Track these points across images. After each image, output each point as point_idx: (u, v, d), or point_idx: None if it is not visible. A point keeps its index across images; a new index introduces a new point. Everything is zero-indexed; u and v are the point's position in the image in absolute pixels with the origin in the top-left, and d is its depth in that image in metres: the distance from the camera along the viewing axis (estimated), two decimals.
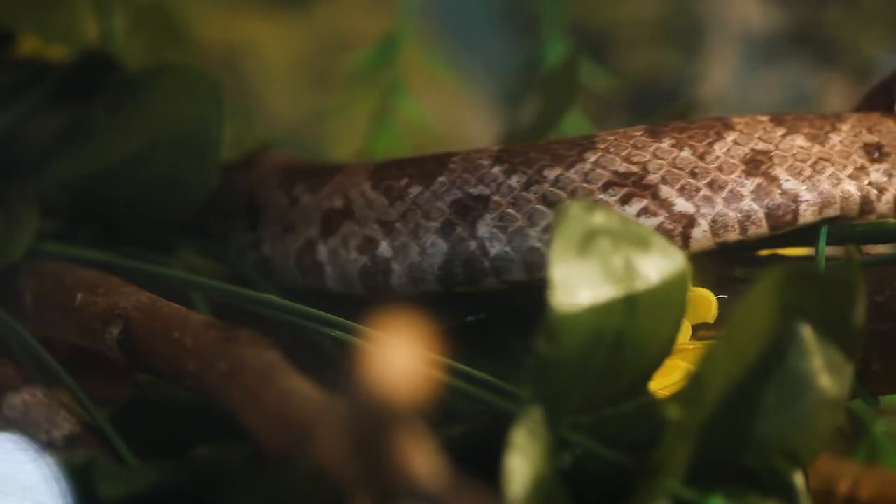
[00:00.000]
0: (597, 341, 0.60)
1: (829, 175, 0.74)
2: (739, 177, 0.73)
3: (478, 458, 0.57)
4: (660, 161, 0.73)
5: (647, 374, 0.63)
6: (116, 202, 0.85)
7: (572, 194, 0.73)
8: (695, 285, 0.68)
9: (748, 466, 0.61)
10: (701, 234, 0.73)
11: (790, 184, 0.74)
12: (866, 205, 0.74)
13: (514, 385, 0.64)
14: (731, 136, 0.74)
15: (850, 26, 1.31)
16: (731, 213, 0.73)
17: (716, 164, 0.73)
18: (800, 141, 0.74)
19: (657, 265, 0.62)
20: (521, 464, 0.57)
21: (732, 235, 0.73)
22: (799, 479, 0.61)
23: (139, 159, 0.84)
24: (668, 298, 0.62)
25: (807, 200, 0.73)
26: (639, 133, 0.74)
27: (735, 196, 0.73)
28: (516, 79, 1.26)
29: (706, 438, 0.60)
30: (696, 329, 0.71)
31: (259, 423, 0.60)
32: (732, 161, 0.73)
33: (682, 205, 0.73)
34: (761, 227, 0.73)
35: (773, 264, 0.74)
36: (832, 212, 0.74)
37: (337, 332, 0.71)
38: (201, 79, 0.84)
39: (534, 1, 1.17)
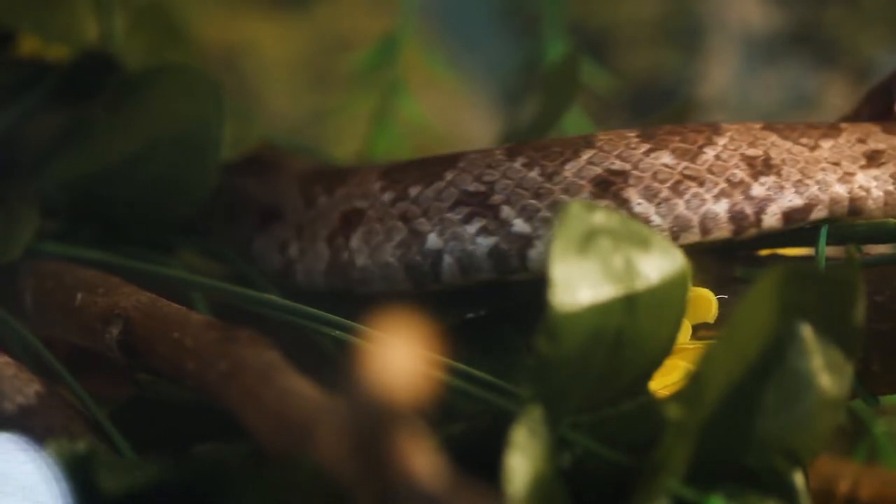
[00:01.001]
0: (597, 341, 0.60)
1: (693, 196, 0.73)
2: (585, 199, 0.72)
3: (478, 457, 0.57)
4: (507, 181, 0.73)
5: (647, 374, 0.63)
6: (116, 202, 0.85)
7: (426, 212, 0.74)
8: (695, 285, 0.68)
9: (748, 466, 0.61)
10: (537, 255, 0.72)
11: (641, 207, 0.73)
12: (740, 229, 0.73)
13: (514, 384, 0.64)
14: (586, 155, 0.73)
15: (850, 26, 1.31)
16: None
17: (562, 186, 0.73)
18: (665, 158, 0.73)
19: (657, 265, 0.62)
20: (521, 463, 0.57)
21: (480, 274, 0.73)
22: (799, 478, 0.62)
23: (139, 159, 0.84)
24: (668, 298, 0.62)
25: (658, 226, 0.72)
26: (499, 151, 0.74)
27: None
28: (516, 79, 1.26)
29: (706, 438, 0.60)
30: (696, 329, 0.71)
31: (259, 423, 0.60)
32: (580, 182, 0.73)
33: (519, 226, 0.73)
34: None
35: (773, 264, 0.75)
36: (692, 237, 0.73)
37: (337, 332, 0.71)
38: (201, 79, 0.84)
39: (534, 1, 1.17)
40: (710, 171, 0.73)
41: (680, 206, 0.73)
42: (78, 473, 0.63)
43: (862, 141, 0.74)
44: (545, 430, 0.59)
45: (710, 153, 0.73)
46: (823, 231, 0.73)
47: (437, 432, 0.59)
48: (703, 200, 0.73)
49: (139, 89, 0.86)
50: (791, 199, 0.73)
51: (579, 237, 0.60)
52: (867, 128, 0.75)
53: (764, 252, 0.76)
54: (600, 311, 0.60)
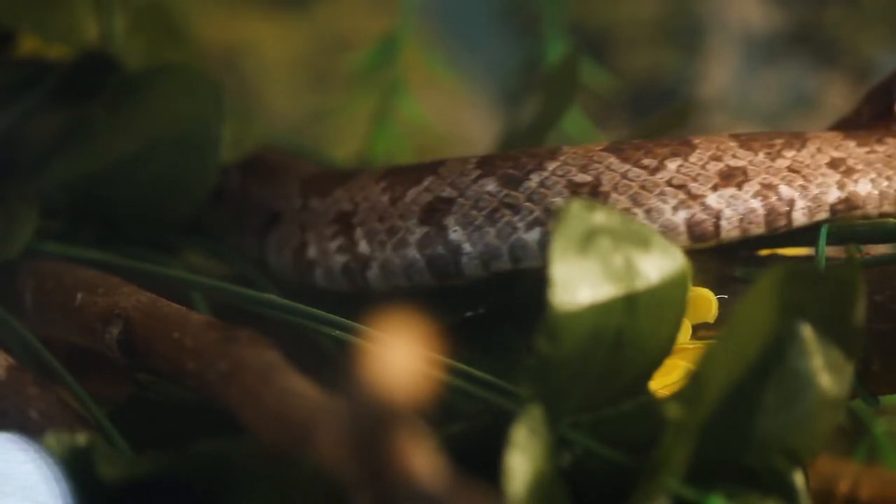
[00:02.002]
0: (597, 340, 0.60)
1: (506, 223, 0.73)
2: (413, 223, 0.74)
3: (478, 457, 0.57)
4: (366, 204, 0.75)
5: (648, 374, 0.63)
6: (116, 202, 0.85)
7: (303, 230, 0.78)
8: (695, 285, 0.68)
9: (748, 466, 0.61)
10: (375, 276, 0.75)
11: (457, 234, 0.73)
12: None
13: (514, 383, 0.64)
14: (426, 182, 0.74)
15: (850, 26, 1.31)
16: (397, 260, 0.74)
17: (399, 211, 0.74)
18: (490, 186, 0.73)
19: (657, 264, 0.62)
20: (521, 462, 0.57)
21: (401, 281, 0.74)
22: (799, 478, 0.61)
23: (139, 159, 0.84)
24: (668, 298, 0.62)
25: (468, 253, 0.73)
26: (366, 176, 0.77)
27: (403, 243, 0.74)
28: (516, 79, 1.26)
29: (706, 438, 0.60)
30: (696, 329, 0.71)
31: (259, 423, 0.60)
32: (413, 208, 0.74)
33: (363, 247, 0.75)
34: (424, 277, 0.74)
35: (773, 264, 0.75)
36: (502, 265, 0.73)
37: (337, 332, 0.71)
38: (201, 79, 0.84)
39: (534, 1, 1.17)
40: (529, 198, 0.73)
41: (491, 234, 0.73)
42: (78, 466, 0.63)
43: (717, 158, 0.73)
44: (545, 429, 0.59)
45: (534, 179, 0.73)
46: (823, 231, 0.73)
47: (437, 432, 0.59)
48: (515, 229, 0.73)
49: (139, 89, 0.86)
50: None
51: (579, 237, 0.60)
52: (720, 140, 0.74)
53: (764, 252, 0.76)
54: (600, 310, 0.60)
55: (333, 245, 0.77)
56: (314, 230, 0.78)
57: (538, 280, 0.62)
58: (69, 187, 0.86)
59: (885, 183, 0.75)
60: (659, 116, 1.00)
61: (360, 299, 0.75)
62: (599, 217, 0.61)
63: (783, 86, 1.32)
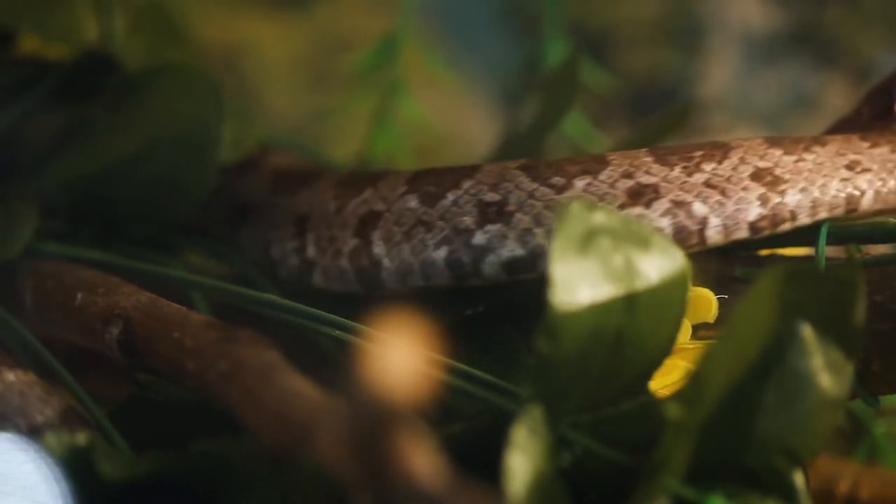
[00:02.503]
0: (597, 340, 0.60)
1: (419, 241, 0.74)
2: (349, 235, 0.76)
3: (478, 456, 0.57)
4: (320, 213, 0.78)
5: (647, 374, 0.63)
6: (116, 202, 0.85)
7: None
8: (695, 285, 0.68)
9: (748, 466, 0.61)
10: (318, 278, 0.78)
11: (378, 249, 0.75)
12: (458, 277, 0.73)
13: (514, 383, 0.64)
14: (366, 193, 0.76)
15: (850, 26, 1.31)
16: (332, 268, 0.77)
17: (340, 221, 0.77)
18: (412, 202, 0.74)
19: (657, 264, 0.62)
20: (521, 462, 0.57)
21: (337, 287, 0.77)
22: (799, 478, 0.62)
23: (139, 159, 0.84)
24: (668, 298, 0.62)
25: (387, 268, 0.75)
26: (327, 182, 0.79)
27: (338, 254, 0.77)
28: (516, 79, 1.26)
29: (706, 438, 0.60)
30: (696, 329, 0.71)
31: (259, 423, 0.60)
32: (350, 219, 0.77)
33: (311, 251, 0.78)
34: (352, 286, 0.76)
35: (774, 264, 0.75)
36: (415, 282, 0.74)
37: (337, 332, 0.71)
38: (201, 79, 0.84)
39: (534, 1, 1.17)
40: (442, 216, 0.73)
41: (406, 250, 0.74)
42: (78, 466, 0.63)
43: (628, 175, 0.72)
44: (545, 429, 0.59)
45: (450, 198, 0.73)
46: (823, 231, 0.73)
47: (437, 432, 0.59)
48: (426, 247, 0.73)
49: (139, 89, 0.86)
50: (513, 249, 0.72)
51: (579, 237, 0.60)
52: (635, 155, 0.73)
53: (764, 252, 0.76)
54: (600, 310, 0.60)
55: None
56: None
57: (538, 280, 0.62)
58: (69, 187, 0.86)
59: (817, 191, 0.73)
60: (659, 117, 1.00)
61: (359, 299, 0.75)
62: (599, 217, 0.61)
63: (783, 86, 1.32)
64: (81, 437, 0.64)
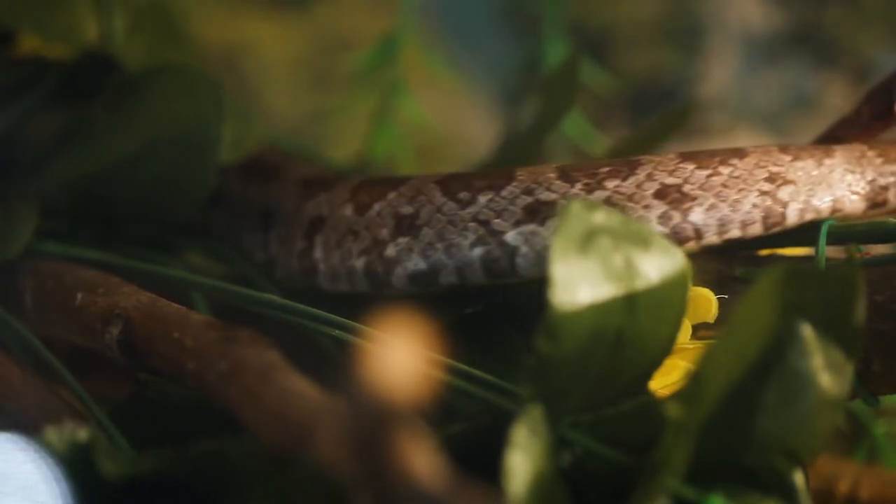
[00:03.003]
0: (597, 340, 0.60)
1: (346, 249, 0.76)
2: (299, 236, 0.79)
3: (478, 456, 0.57)
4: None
5: (648, 374, 0.63)
6: (116, 202, 0.85)
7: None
8: (695, 285, 0.68)
9: (748, 465, 0.61)
10: (282, 276, 0.80)
11: (318, 253, 0.77)
12: (376, 287, 0.75)
13: (514, 382, 0.64)
14: (319, 198, 0.78)
15: (850, 26, 1.31)
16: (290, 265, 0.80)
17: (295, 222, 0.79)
18: (348, 210, 0.76)
19: (657, 264, 0.62)
20: (521, 462, 0.57)
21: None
22: (799, 478, 0.61)
23: (139, 159, 0.84)
24: (668, 297, 0.62)
25: (322, 272, 0.77)
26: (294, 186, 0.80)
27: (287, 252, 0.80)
28: (516, 79, 1.25)
29: (706, 437, 0.60)
30: (696, 329, 0.71)
31: (259, 423, 0.60)
32: (301, 223, 0.79)
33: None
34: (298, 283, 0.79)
35: (774, 264, 0.75)
36: (344, 287, 0.76)
37: (337, 332, 0.71)
38: (201, 79, 0.84)
39: (534, 1, 1.17)
40: (367, 226, 0.75)
41: (336, 258, 0.76)
42: (78, 463, 0.63)
43: (529, 192, 0.72)
44: (545, 429, 0.59)
45: (375, 209, 0.75)
46: (823, 230, 0.73)
47: (437, 432, 0.59)
48: (350, 255, 0.75)
49: (139, 89, 0.86)
50: (416, 262, 0.73)
51: (579, 236, 0.60)
52: (541, 171, 0.73)
53: (764, 252, 0.76)
54: (600, 310, 0.60)
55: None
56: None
57: (538, 281, 0.62)
58: (69, 187, 0.86)
59: (727, 208, 0.72)
60: (659, 117, 1.00)
61: (359, 299, 0.75)
62: (600, 217, 0.61)
63: (783, 86, 1.32)
64: (83, 434, 0.64)
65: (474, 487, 0.50)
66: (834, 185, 0.74)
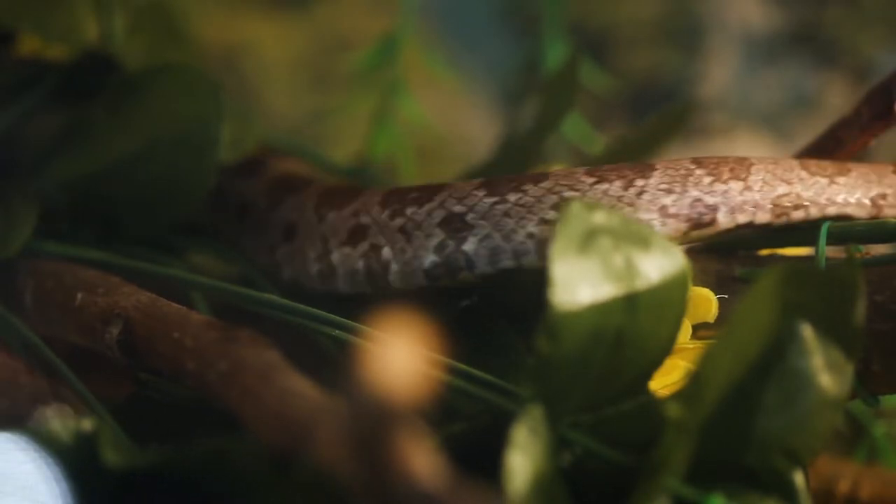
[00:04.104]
0: (597, 340, 0.60)
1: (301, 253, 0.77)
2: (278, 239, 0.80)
3: (478, 456, 0.57)
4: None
5: (648, 373, 0.63)
6: (116, 202, 0.85)
7: None
8: (695, 284, 0.68)
9: (748, 465, 0.61)
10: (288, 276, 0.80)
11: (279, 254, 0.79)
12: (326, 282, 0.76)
13: (512, 380, 0.65)
14: (293, 197, 0.80)
15: (850, 26, 1.31)
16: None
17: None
18: (310, 215, 0.77)
19: (658, 264, 0.62)
20: (521, 462, 0.57)
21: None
22: (799, 478, 0.62)
23: (139, 159, 0.84)
24: (668, 297, 0.62)
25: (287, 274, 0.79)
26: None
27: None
28: (516, 79, 1.25)
29: (706, 437, 0.60)
30: (697, 328, 0.71)
31: (259, 423, 0.60)
32: (277, 225, 0.80)
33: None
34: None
35: (774, 264, 0.75)
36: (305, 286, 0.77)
37: (337, 332, 0.71)
38: (201, 79, 0.84)
39: (534, 1, 1.17)
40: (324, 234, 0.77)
41: (295, 262, 0.78)
42: (81, 454, 0.63)
43: (355, 215, 0.74)
44: (545, 429, 0.59)
45: (330, 217, 0.77)
46: (823, 230, 0.73)
47: (437, 432, 0.59)
48: (307, 259, 0.77)
49: (139, 89, 0.86)
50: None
51: (580, 236, 0.60)
52: (372, 194, 0.75)
53: (764, 252, 0.76)
54: (600, 310, 0.60)
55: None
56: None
57: (536, 278, 0.62)
58: (69, 187, 0.86)
59: (499, 237, 0.71)
60: (658, 118, 1.00)
61: (359, 299, 0.75)
62: (600, 217, 0.61)
63: (783, 86, 1.32)
64: (87, 424, 0.64)
65: (474, 487, 0.50)
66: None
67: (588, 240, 0.60)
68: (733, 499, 0.60)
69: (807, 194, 0.73)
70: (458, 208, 0.72)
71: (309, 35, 1.36)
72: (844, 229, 0.73)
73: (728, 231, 0.72)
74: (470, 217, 0.72)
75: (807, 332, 0.61)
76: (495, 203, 0.71)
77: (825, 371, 0.61)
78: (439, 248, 0.72)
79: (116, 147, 0.85)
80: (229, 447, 0.62)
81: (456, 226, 0.72)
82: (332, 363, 0.73)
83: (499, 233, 0.71)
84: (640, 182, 0.71)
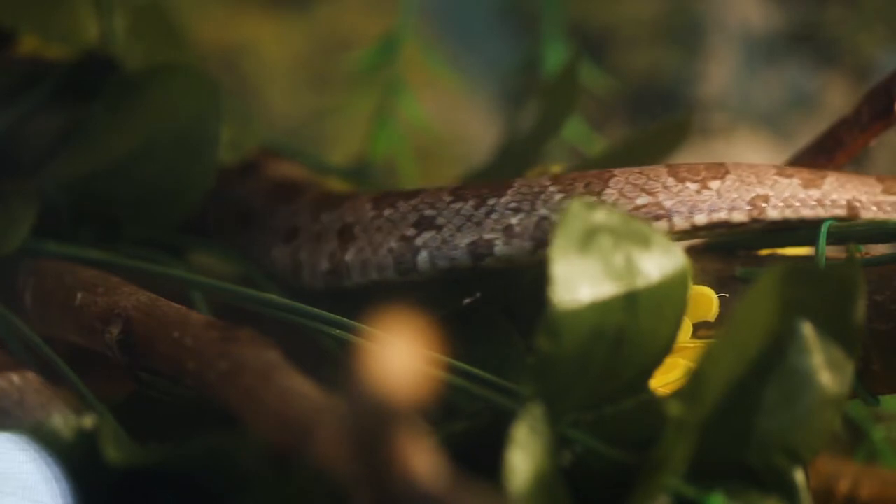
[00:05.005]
0: (597, 338, 0.60)
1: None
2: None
3: (478, 455, 0.57)
4: None
5: (648, 372, 0.63)
6: (116, 201, 0.85)
7: None
8: (696, 283, 0.68)
9: (749, 464, 0.61)
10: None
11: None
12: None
13: (510, 375, 0.65)
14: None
15: (850, 26, 1.31)
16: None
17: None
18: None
19: (658, 263, 0.62)
20: (522, 460, 0.57)
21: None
22: (799, 476, 0.61)
23: (138, 159, 0.84)
24: (668, 296, 0.62)
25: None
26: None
27: None
28: (516, 79, 1.26)
29: (707, 436, 0.60)
30: (697, 327, 0.71)
31: (259, 422, 0.60)
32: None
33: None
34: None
35: (774, 263, 0.75)
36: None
37: (337, 331, 0.71)
38: (200, 79, 0.84)
39: (533, 1, 1.17)
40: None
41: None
42: (82, 451, 0.63)
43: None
44: (546, 427, 0.59)
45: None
46: (823, 230, 0.73)
47: (437, 430, 0.59)
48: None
49: (139, 89, 0.86)
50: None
51: (580, 235, 0.60)
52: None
53: (764, 251, 0.76)
54: (601, 308, 0.60)
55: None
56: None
57: (535, 276, 0.62)
58: (69, 187, 0.86)
59: (370, 251, 0.74)
60: (661, 124, 0.99)
61: (359, 298, 0.75)
62: (600, 216, 0.61)
63: (783, 86, 1.32)
64: (88, 421, 0.64)
65: (475, 486, 0.50)
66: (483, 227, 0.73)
67: (588, 238, 0.60)
68: (734, 497, 0.60)
69: (669, 203, 0.72)
70: (349, 219, 0.76)
71: (309, 35, 1.36)
72: (844, 229, 0.73)
73: None
74: (356, 229, 0.75)
75: (807, 330, 0.61)
76: (374, 217, 0.75)
77: (825, 370, 0.61)
78: (331, 256, 0.76)
79: (116, 147, 0.85)
80: (229, 446, 0.62)
81: (346, 236, 0.76)
82: (333, 362, 0.73)
83: (370, 246, 0.75)
84: (491, 200, 0.72)
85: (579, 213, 0.60)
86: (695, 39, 1.33)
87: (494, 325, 0.73)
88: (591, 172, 0.72)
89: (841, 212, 0.74)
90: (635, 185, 0.72)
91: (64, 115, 0.91)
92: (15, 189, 0.85)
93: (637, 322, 0.61)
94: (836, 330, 0.61)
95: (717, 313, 0.71)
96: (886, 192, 0.74)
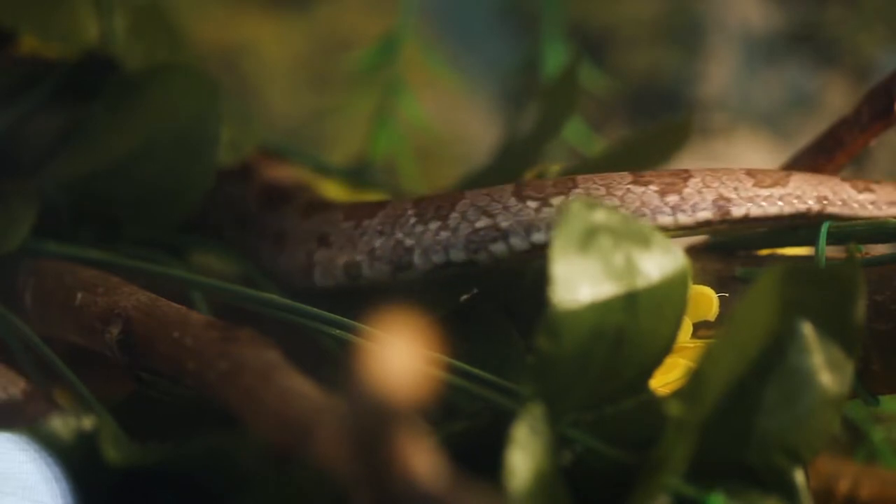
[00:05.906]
0: (597, 338, 0.60)
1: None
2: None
3: (478, 455, 0.57)
4: None
5: (648, 372, 0.63)
6: (116, 202, 0.85)
7: None
8: (696, 283, 0.68)
9: (749, 463, 0.61)
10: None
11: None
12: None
13: (509, 374, 0.65)
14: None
15: (850, 26, 1.31)
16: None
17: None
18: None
19: (658, 263, 0.62)
20: (522, 460, 0.57)
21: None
22: (799, 476, 0.61)
23: (138, 159, 0.84)
24: (668, 296, 0.62)
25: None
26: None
27: None
28: (516, 80, 1.26)
29: (707, 435, 0.60)
30: (697, 327, 0.71)
31: (259, 422, 0.60)
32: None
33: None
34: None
35: (774, 263, 0.75)
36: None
37: (337, 331, 0.71)
38: (200, 79, 0.84)
39: (533, 1, 1.17)
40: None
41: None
42: (82, 452, 0.63)
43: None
44: (546, 427, 0.59)
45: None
46: (823, 230, 0.73)
47: (437, 430, 0.59)
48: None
49: (139, 89, 0.86)
50: None
51: (580, 235, 0.60)
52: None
53: (764, 251, 0.76)
54: (601, 308, 0.60)
55: None
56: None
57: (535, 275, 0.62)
58: (69, 187, 0.86)
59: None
60: (661, 125, 0.99)
61: (359, 298, 0.75)
62: (600, 215, 0.61)
63: (783, 86, 1.32)
64: (87, 422, 0.64)
65: (475, 486, 0.50)
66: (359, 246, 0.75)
67: (588, 238, 0.60)
68: (734, 497, 0.60)
69: (506, 224, 0.71)
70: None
71: (309, 35, 1.36)
72: (845, 229, 0.73)
73: (428, 273, 0.73)
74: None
75: (807, 330, 0.61)
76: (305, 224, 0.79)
77: (825, 369, 0.61)
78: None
79: (116, 147, 0.85)
80: (229, 446, 0.62)
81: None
82: (333, 362, 0.73)
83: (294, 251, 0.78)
84: (366, 222, 0.74)
85: (579, 213, 0.60)
86: (695, 39, 1.33)
87: (494, 325, 0.73)
88: (445, 194, 0.74)
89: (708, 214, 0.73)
90: (478, 207, 0.72)
91: (64, 115, 0.91)
92: (15, 189, 0.85)
93: (637, 322, 0.61)
94: (836, 330, 0.61)
95: (717, 313, 0.71)
96: (758, 185, 0.73)
